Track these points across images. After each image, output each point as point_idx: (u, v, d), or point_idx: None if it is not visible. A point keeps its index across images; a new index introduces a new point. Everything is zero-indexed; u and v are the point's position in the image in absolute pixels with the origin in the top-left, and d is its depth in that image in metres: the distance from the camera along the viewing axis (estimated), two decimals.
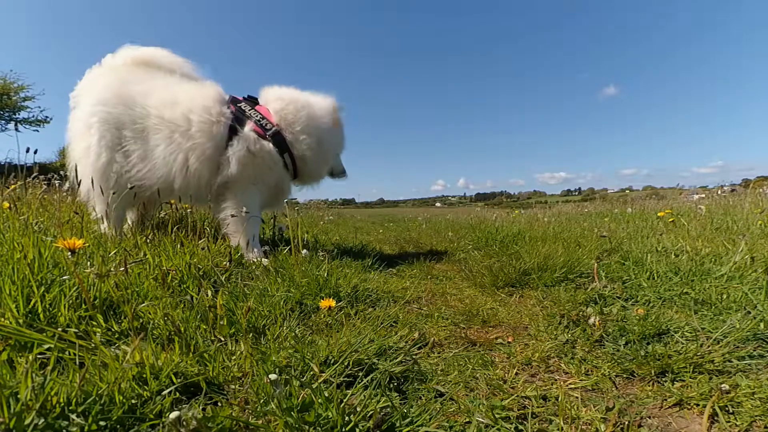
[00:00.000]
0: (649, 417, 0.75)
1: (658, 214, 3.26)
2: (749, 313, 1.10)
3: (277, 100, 2.14)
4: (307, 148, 2.13)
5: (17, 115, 14.24)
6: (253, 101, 2.18)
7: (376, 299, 1.49)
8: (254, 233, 2.09)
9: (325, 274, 1.50)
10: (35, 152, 1.94)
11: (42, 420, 0.55)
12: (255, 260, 1.85)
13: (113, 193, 1.95)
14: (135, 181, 2.01)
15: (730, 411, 0.73)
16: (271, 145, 2.06)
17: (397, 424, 0.67)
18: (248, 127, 2.04)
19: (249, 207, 1.96)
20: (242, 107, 2.10)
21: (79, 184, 1.97)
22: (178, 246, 1.61)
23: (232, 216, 1.96)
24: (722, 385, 0.77)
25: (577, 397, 0.80)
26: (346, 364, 0.86)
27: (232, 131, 2.02)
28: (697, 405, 0.76)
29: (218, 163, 2.02)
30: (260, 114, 2.09)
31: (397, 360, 0.92)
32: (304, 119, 2.13)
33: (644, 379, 0.88)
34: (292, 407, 0.64)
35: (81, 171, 2.05)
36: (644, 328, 1.05)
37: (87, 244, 1.33)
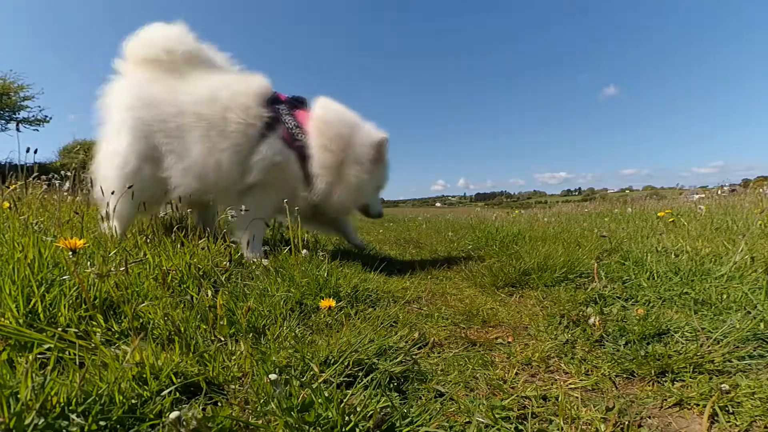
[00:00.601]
0: (649, 417, 0.75)
1: (658, 214, 3.26)
2: (749, 313, 1.10)
3: (322, 111, 2.05)
4: (329, 166, 2.00)
5: (17, 115, 14.25)
6: (295, 103, 2.09)
7: (376, 299, 1.49)
8: (256, 234, 2.00)
9: (325, 274, 1.50)
10: (35, 152, 1.94)
11: (42, 420, 0.55)
12: (255, 260, 1.80)
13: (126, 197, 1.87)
14: (173, 182, 1.95)
15: (730, 411, 0.73)
16: (294, 155, 1.99)
17: (397, 424, 0.67)
18: (278, 133, 1.97)
19: (257, 209, 1.92)
20: (279, 109, 2.01)
21: (103, 191, 1.93)
22: (178, 246, 1.61)
23: (232, 216, 1.90)
24: (722, 385, 0.77)
25: (577, 397, 0.80)
26: (346, 364, 0.86)
27: (263, 135, 1.95)
28: (697, 405, 0.76)
29: (248, 165, 1.95)
30: (296, 120, 2.01)
31: (397, 360, 0.92)
32: (339, 141, 2.00)
33: (644, 379, 0.88)
34: (292, 407, 0.64)
35: (108, 176, 1.99)
36: (644, 328, 1.05)
37: (87, 244, 1.33)
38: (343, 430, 0.63)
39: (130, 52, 2.07)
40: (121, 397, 0.65)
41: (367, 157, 2.05)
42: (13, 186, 2.19)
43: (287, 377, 0.75)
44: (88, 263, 1.26)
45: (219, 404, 0.73)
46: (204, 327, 1.01)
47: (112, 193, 1.83)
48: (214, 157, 1.90)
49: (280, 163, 1.96)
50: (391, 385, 0.84)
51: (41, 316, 0.95)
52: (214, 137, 1.90)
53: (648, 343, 1.00)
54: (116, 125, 1.99)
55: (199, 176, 1.93)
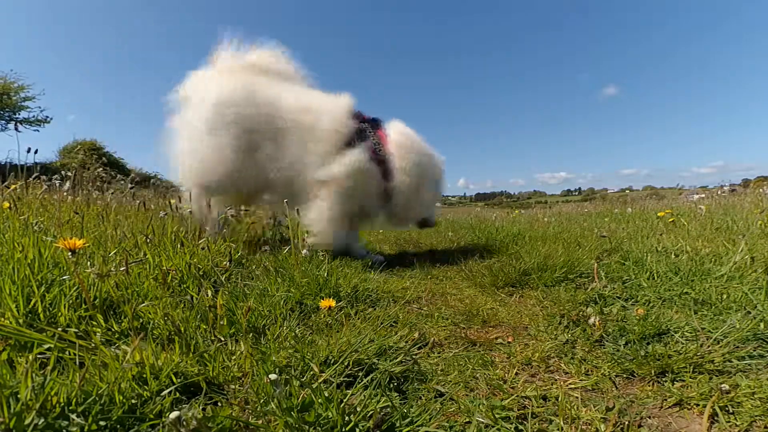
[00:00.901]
0: (649, 417, 0.75)
1: (658, 214, 3.26)
2: (749, 313, 1.10)
3: (400, 135, 2.38)
4: (407, 188, 2.33)
5: (17, 115, 14.24)
6: (375, 124, 2.39)
7: (376, 299, 1.49)
8: (352, 242, 2.38)
9: (325, 274, 1.50)
10: (35, 152, 1.94)
11: (42, 420, 0.55)
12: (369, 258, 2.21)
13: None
14: (261, 180, 2.18)
15: (730, 411, 0.73)
16: (376, 168, 2.27)
17: (397, 424, 0.67)
18: (364, 145, 2.24)
19: (334, 213, 2.21)
20: (365, 127, 2.30)
21: (183, 187, 2.15)
22: (178, 246, 1.61)
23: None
24: (722, 385, 0.77)
25: (577, 397, 0.80)
26: (346, 364, 0.86)
27: (350, 144, 2.21)
28: (697, 405, 0.76)
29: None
30: (378, 138, 2.31)
31: (397, 360, 0.92)
32: (417, 169, 2.35)
33: (644, 379, 0.88)
34: (292, 407, 0.64)
35: (198, 170, 2.15)
36: (644, 328, 1.05)
37: (87, 244, 1.33)
38: (343, 430, 0.63)
39: (229, 55, 2.29)
40: (121, 397, 0.65)
41: (436, 180, 2.50)
42: (13, 186, 2.19)
43: (287, 377, 0.75)
44: (88, 263, 1.26)
45: (219, 404, 0.73)
46: (204, 327, 1.01)
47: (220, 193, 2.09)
48: (306, 160, 2.16)
49: (364, 171, 2.23)
50: (391, 385, 0.84)
51: (41, 316, 0.95)
52: (308, 142, 2.16)
53: (648, 343, 1.00)
54: (211, 120, 2.13)
55: (290, 177, 2.17)
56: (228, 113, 2.12)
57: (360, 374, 0.84)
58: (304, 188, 2.23)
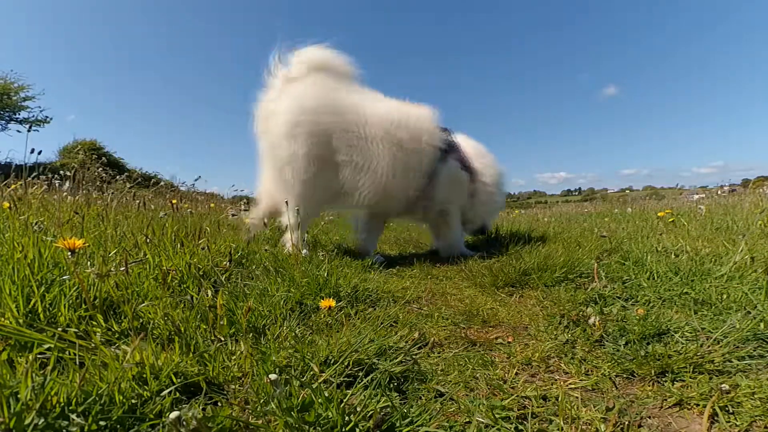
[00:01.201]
0: (649, 417, 0.75)
1: (658, 214, 3.26)
2: (749, 313, 1.10)
3: (474, 147, 2.67)
4: (483, 194, 2.62)
5: (17, 115, 14.23)
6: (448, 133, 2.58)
7: (376, 299, 1.49)
8: (460, 239, 2.63)
9: (325, 274, 1.50)
10: (39, 153, 1.94)
11: (42, 420, 0.55)
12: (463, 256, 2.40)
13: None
14: (347, 191, 2.23)
15: (730, 411, 0.73)
16: (466, 175, 2.52)
17: (397, 424, 0.67)
18: (454, 156, 2.45)
19: (454, 223, 2.52)
20: (452, 138, 2.50)
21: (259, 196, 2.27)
22: (178, 246, 1.61)
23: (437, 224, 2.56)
24: (722, 385, 0.77)
25: (577, 397, 0.80)
26: (346, 364, 0.86)
27: (443, 157, 2.39)
28: (697, 405, 0.76)
29: (424, 179, 2.37)
30: (462, 149, 2.54)
31: (397, 360, 0.92)
32: (493, 179, 2.66)
33: (644, 379, 0.88)
34: (292, 407, 0.64)
35: (279, 180, 2.20)
36: (644, 328, 1.05)
37: (87, 244, 1.33)
38: (343, 430, 0.63)
39: (303, 60, 2.28)
40: (121, 397, 0.65)
41: (504, 191, 2.82)
42: (13, 186, 2.19)
43: (287, 377, 0.75)
44: (88, 263, 1.26)
45: (219, 404, 0.73)
46: (204, 327, 1.01)
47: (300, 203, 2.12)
48: (399, 171, 2.24)
49: (458, 178, 2.47)
50: (391, 385, 0.84)
51: (41, 316, 0.95)
52: (399, 153, 2.23)
53: (648, 343, 1.00)
54: (290, 129, 2.14)
55: (385, 187, 2.23)
56: (306, 121, 2.13)
57: (360, 374, 0.84)
58: (399, 198, 2.35)
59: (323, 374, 0.80)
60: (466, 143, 2.63)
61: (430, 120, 2.38)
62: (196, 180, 3.24)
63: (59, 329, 0.85)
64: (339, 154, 2.18)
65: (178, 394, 0.72)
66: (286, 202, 2.09)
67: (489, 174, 2.63)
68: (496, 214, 2.80)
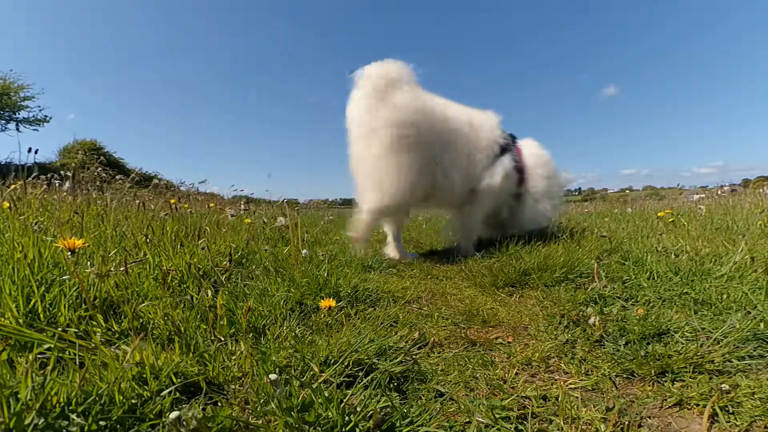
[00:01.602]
0: (649, 417, 0.75)
1: (658, 214, 3.26)
2: (749, 313, 1.10)
3: (535, 151, 2.81)
4: (527, 202, 2.75)
5: (17, 115, 14.21)
6: (512, 138, 2.76)
7: (376, 299, 1.49)
8: (475, 233, 2.73)
9: (325, 274, 1.50)
10: (36, 152, 1.94)
11: (42, 420, 0.55)
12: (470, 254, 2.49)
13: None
14: (438, 191, 2.41)
15: (730, 411, 0.73)
16: (516, 175, 2.65)
17: (397, 424, 0.67)
18: (509, 156, 2.60)
19: (479, 213, 2.60)
20: (508, 140, 2.67)
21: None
22: (178, 246, 1.61)
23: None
24: (722, 385, 0.77)
25: (577, 397, 0.80)
26: (346, 364, 0.86)
27: (501, 154, 2.56)
28: (697, 405, 0.76)
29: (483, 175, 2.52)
30: (516, 151, 2.70)
31: (397, 360, 0.92)
32: (544, 186, 2.76)
33: (644, 379, 0.88)
34: (292, 407, 0.64)
35: (378, 186, 2.29)
36: (644, 328, 1.05)
37: (87, 244, 1.33)
38: (343, 430, 0.63)
39: (383, 74, 2.35)
40: (121, 397, 0.65)
41: (557, 196, 2.94)
42: (13, 186, 2.19)
43: (287, 377, 0.75)
44: (88, 263, 1.26)
45: (219, 404, 0.73)
46: (204, 327, 1.01)
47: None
48: (468, 170, 2.44)
49: (509, 176, 2.59)
50: (391, 385, 0.84)
51: (41, 316, 0.95)
52: (472, 152, 2.44)
53: (648, 343, 1.00)
54: (393, 139, 2.24)
55: (461, 184, 2.42)
56: (409, 132, 2.24)
57: (360, 374, 0.84)
58: (460, 194, 2.50)
59: (323, 374, 0.80)
60: (532, 150, 2.78)
61: (494, 122, 2.62)
62: (201, 182, 3.26)
63: (59, 329, 0.85)
64: (434, 159, 2.35)
65: (178, 394, 0.72)
66: (385, 208, 2.27)
67: (541, 184, 2.73)
68: (534, 226, 2.79)
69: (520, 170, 2.68)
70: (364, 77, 2.35)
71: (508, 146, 2.62)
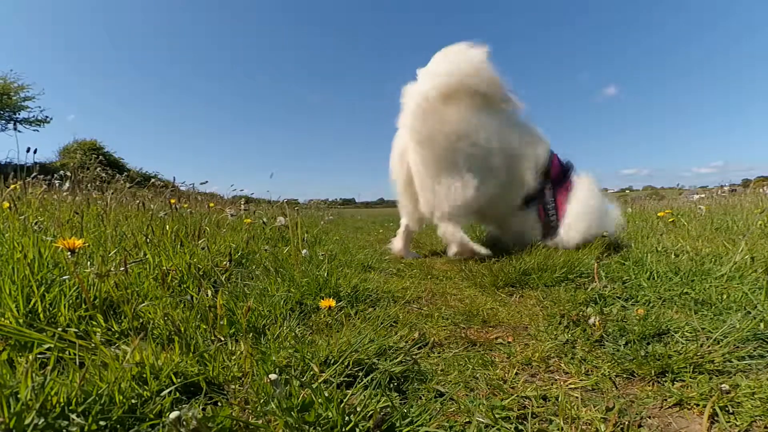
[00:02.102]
0: (649, 417, 0.75)
1: (658, 214, 3.26)
2: (749, 313, 1.10)
3: (584, 187, 2.74)
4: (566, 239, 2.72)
5: (17, 115, 14.21)
6: (569, 166, 2.78)
7: (376, 299, 1.49)
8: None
9: (325, 274, 1.50)
10: (35, 152, 1.94)
11: (42, 420, 0.55)
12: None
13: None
14: (489, 200, 2.39)
15: (730, 411, 0.73)
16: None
17: (397, 424, 0.67)
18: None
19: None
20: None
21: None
22: (178, 246, 1.61)
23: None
24: (722, 385, 0.77)
25: (577, 397, 0.80)
26: (346, 364, 0.86)
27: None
28: (697, 405, 0.76)
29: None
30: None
31: (397, 360, 0.92)
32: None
33: (644, 379, 0.88)
34: (292, 407, 0.64)
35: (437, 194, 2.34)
36: (644, 328, 1.05)
37: (87, 244, 1.33)
38: (343, 430, 0.63)
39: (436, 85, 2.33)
40: (121, 397, 0.65)
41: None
42: (13, 186, 2.19)
43: (287, 377, 0.75)
44: (88, 263, 1.26)
45: (219, 404, 0.72)
46: (204, 327, 1.01)
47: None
48: (509, 181, 2.45)
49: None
50: (391, 385, 0.84)
51: (41, 316, 0.95)
52: (527, 170, 2.45)
53: (648, 343, 1.00)
54: (449, 154, 2.30)
55: (502, 195, 2.45)
56: (463, 146, 2.28)
57: (360, 374, 0.84)
58: (509, 207, 2.55)
59: (323, 374, 0.80)
60: (583, 184, 2.66)
61: (546, 145, 2.64)
62: (203, 183, 3.26)
63: (59, 329, 0.85)
64: (484, 167, 2.38)
65: (178, 394, 0.72)
66: (449, 213, 2.33)
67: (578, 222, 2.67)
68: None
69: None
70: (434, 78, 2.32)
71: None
